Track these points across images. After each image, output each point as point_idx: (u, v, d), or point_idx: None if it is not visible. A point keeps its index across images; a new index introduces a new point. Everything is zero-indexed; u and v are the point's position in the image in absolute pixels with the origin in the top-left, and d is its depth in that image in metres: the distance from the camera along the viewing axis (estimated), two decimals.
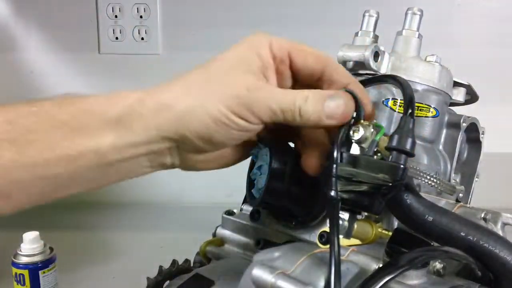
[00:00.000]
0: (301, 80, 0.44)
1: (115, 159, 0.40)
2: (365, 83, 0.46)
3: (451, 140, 0.55)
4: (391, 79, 0.45)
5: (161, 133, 0.40)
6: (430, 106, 0.52)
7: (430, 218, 0.40)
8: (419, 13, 0.54)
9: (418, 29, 0.54)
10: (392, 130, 0.47)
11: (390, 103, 0.51)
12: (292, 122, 0.41)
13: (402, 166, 0.38)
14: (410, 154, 0.38)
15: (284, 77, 0.44)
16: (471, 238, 0.39)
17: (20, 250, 0.89)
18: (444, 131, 0.55)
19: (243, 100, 0.39)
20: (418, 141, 0.47)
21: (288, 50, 0.42)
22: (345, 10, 1.04)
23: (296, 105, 0.40)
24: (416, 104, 0.48)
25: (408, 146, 0.38)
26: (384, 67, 0.51)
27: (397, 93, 0.51)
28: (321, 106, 0.40)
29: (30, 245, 0.88)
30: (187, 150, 0.42)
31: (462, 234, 0.39)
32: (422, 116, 0.52)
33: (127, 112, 0.39)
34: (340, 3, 1.04)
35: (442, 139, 0.55)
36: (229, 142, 0.42)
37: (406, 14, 0.55)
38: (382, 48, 0.51)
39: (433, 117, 0.53)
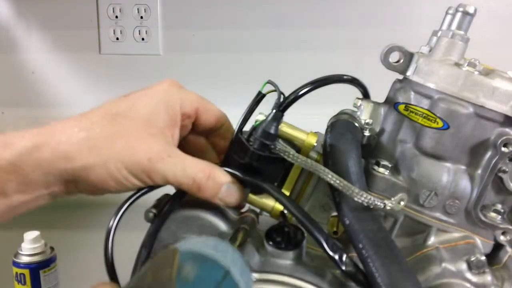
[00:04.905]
0: (198, 130, 0.50)
1: (20, 201, 0.42)
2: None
3: (489, 163, 0.49)
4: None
5: (60, 178, 0.42)
6: (436, 115, 0.48)
7: (347, 222, 0.45)
8: (451, 12, 0.50)
9: (454, 30, 0.49)
10: (400, 135, 0.51)
11: (401, 107, 0.50)
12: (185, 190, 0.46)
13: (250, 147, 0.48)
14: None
15: (185, 128, 0.48)
16: (364, 252, 0.43)
17: (21, 250, 0.89)
18: (489, 153, 0.49)
19: (144, 167, 0.42)
20: (417, 152, 0.50)
21: (196, 107, 0.46)
22: (348, 10, 1.05)
23: (195, 181, 0.44)
24: (423, 111, 0.49)
25: (258, 135, 0.48)
26: (411, 69, 0.50)
27: (414, 98, 0.49)
28: (218, 189, 0.45)
29: (31, 244, 0.88)
30: (83, 189, 0.44)
31: (360, 245, 0.43)
32: (424, 126, 0.49)
33: (23, 160, 0.41)
34: (341, 3, 1.05)
35: (484, 162, 0.49)
36: (124, 190, 0.45)
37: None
38: (405, 48, 0.50)
39: (439, 129, 0.48)
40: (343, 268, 0.44)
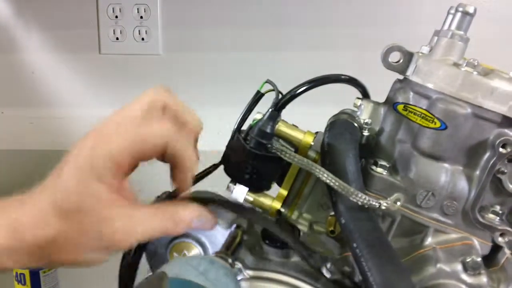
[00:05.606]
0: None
1: None
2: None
3: (487, 164, 0.48)
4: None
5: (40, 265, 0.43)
6: (434, 116, 0.48)
7: (343, 221, 0.45)
8: (452, 12, 0.50)
9: (453, 30, 0.49)
10: (399, 135, 0.51)
11: (399, 107, 0.50)
12: None
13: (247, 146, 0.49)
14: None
15: (132, 167, 0.45)
16: (358, 252, 0.42)
17: None
18: (487, 153, 0.48)
19: (119, 245, 0.43)
20: (415, 152, 0.50)
21: (130, 156, 0.42)
22: (348, 10, 1.05)
23: (167, 230, 0.45)
24: (421, 111, 0.49)
25: (254, 133, 0.49)
26: (410, 69, 0.49)
27: (413, 98, 0.49)
28: (190, 226, 0.46)
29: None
30: None
31: (354, 245, 0.43)
32: (423, 126, 0.49)
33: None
34: (341, 3, 1.05)
35: (482, 162, 0.49)
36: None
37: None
38: (405, 48, 0.49)
39: (437, 129, 0.48)
40: (329, 276, 0.44)
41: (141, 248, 0.52)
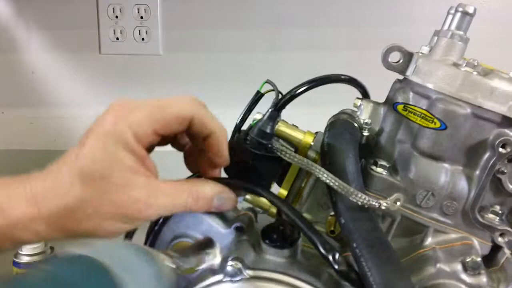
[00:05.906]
0: (168, 137, 0.46)
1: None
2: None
3: (486, 164, 0.48)
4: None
5: (57, 238, 0.43)
6: (434, 116, 0.48)
7: (343, 221, 0.45)
8: (452, 12, 0.50)
9: (453, 30, 0.49)
10: (399, 135, 0.51)
11: (399, 107, 0.50)
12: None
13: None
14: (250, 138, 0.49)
15: (153, 144, 0.45)
16: (358, 252, 0.43)
17: (21, 250, 0.89)
18: (487, 153, 0.48)
19: (138, 217, 0.42)
20: (414, 152, 0.50)
21: (151, 128, 0.42)
22: (348, 10, 1.05)
23: (187, 206, 0.44)
24: (421, 111, 0.49)
25: (254, 134, 0.49)
26: (410, 69, 0.49)
27: (413, 99, 0.49)
28: (210, 204, 0.45)
29: (31, 244, 0.88)
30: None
31: (354, 245, 0.43)
32: (422, 126, 0.49)
33: (18, 229, 0.41)
34: (341, 3, 1.05)
35: (482, 162, 0.49)
36: None
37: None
38: (405, 48, 0.49)
39: (437, 129, 0.48)
40: (336, 267, 0.44)
41: (155, 230, 0.52)
